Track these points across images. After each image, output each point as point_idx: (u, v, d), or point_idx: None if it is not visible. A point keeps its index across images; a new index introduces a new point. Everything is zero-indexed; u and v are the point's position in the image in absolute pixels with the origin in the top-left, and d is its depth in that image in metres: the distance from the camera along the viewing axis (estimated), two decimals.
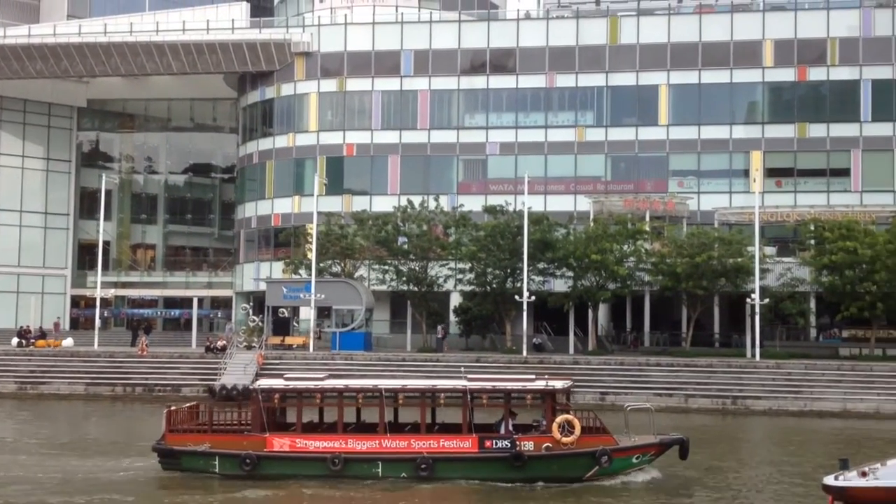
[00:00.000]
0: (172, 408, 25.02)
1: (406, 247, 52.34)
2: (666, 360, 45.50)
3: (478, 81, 59.51)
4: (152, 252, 71.90)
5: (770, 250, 51.38)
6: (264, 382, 25.27)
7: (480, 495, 22.13)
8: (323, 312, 51.68)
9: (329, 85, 60.93)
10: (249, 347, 48.58)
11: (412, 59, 59.94)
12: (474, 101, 60.04)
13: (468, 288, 52.23)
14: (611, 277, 48.92)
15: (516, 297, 48.32)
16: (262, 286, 55.11)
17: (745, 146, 56.34)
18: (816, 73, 55.97)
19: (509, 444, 23.03)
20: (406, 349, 51.71)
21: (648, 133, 57.19)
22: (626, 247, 49.49)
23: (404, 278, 52.23)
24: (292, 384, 25.04)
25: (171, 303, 66.54)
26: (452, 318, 54.84)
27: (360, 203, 58.10)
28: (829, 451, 27.94)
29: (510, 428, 23.65)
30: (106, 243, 67.29)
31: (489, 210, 52.37)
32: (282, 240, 61.31)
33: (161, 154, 72.28)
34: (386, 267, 52.56)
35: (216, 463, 23.63)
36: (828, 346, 49.86)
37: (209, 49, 60.43)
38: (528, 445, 22.93)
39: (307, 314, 51.54)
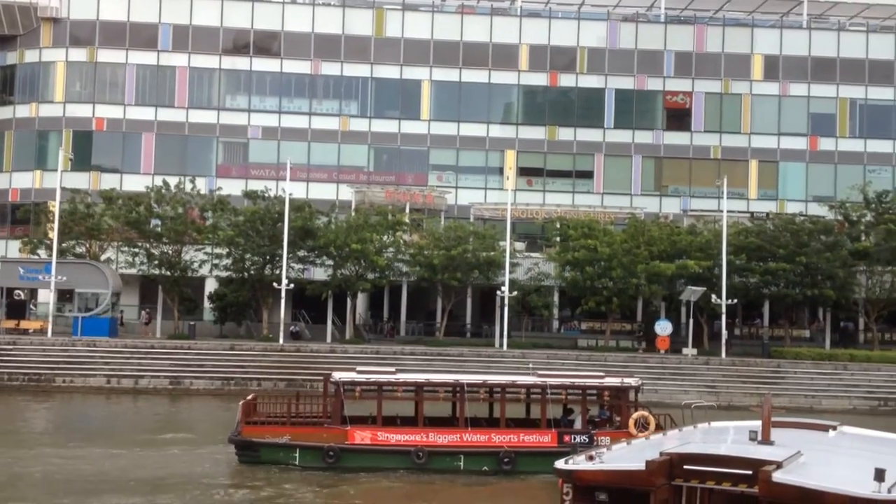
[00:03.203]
0: (248, 398, 24.80)
1: (159, 229, 50.21)
2: (420, 349, 46.61)
3: (240, 62, 58.07)
4: None
5: (520, 245, 54.01)
6: (344, 375, 24.78)
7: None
8: (64, 296, 48.54)
9: (78, 54, 57.19)
10: None
11: (170, 33, 57.49)
12: (236, 82, 58.53)
13: (225, 274, 50.93)
14: (370, 267, 49.45)
15: (275, 284, 47.69)
16: None
17: (500, 145, 58.77)
18: (566, 80, 59.32)
19: (587, 439, 23.26)
20: (156, 336, 49.64)
21: (411, 127, 58.26)
22: (385, 237, 50.21)
23: (156, 262, 50.10)
24: (374, 377, 24.89)
25: None
26: (207, 304, 53.30)
27: (109, 181, 54.97)
28: None
29: (587, 423, 24.30)
30: None
31: (249, 195, 51.30)
32: (20, 217, 56.87)
33: None
34: (136, 250, 50.18)
35: (297, 455, 23.42)
36: (568, 337, 53.06)
37: None
38: (604, 440, 22.96)
39: (46, 297, 48.19)
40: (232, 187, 53.39)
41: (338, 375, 24.71)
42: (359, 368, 26.77)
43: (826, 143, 59.07)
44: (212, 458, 24.93)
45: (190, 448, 26.46)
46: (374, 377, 25.05)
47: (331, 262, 50.09)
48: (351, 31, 58.32)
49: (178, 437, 28.36)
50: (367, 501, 21.23)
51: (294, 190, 49.89)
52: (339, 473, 22.86)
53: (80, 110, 57.13)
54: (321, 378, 42.00)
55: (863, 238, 51.99)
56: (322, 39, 58.08)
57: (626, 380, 25.48)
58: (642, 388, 26.06)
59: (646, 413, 24.04)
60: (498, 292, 48.58)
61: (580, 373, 29.82)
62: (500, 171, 58.28)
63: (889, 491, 9.91)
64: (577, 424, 24.76)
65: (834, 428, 15.04)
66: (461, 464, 23.47)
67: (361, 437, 23.77)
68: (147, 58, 57.37)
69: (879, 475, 9.89)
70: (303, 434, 23.90)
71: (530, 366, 31.56)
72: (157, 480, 22.21)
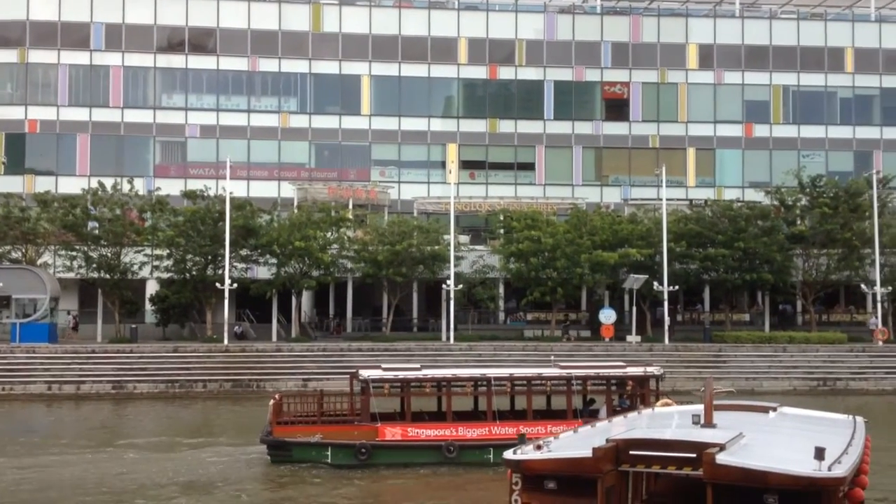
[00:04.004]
0: (277, 397, 25.15)
1: (97, 232, 49.29)
2: (367, 346, 46.55)
3: (176, 60, 57.23)
4: None
5: (464, 239, 54.11)
6: (373, 373, 24.91)
7: None
8: (1, 302, 47.41)
9: (8, 55, 55.84)
10: None
11: (103, 32, 56.43)
12: (172, 80, 57.68)
13: (166, 275, 50.23)
14: (314, 264, 49.17)
15: (217, 284, 47.18)
16: None
17: (441, 139, 58.80)
18: (506, 72, 59.56)
19: None
20: (97, 340, 48.77)
21: (351, 122, 58.02)
22: (329, 234, 49.97)
23: (95, 265, 49.18)
24: (402, 374, 25.28)
25: None
26: (148, 306, 52.52)
27: (44, 184, 53.85)
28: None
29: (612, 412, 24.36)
30: None
31: (188, 195, 50.56)
32: None
33: None
34: (74, 253, 49.19)
35: (328, 453, 23.71)
36: (514, 328, 53.37)
37: None
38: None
39: None
40: (171, 187, 52.63)
41: (366, 373, 24.82)
42: (384, 365, 27.11)
43: (761, 130, 60.21)
44: (241, 459, 24.82)
45: (213, 450, 26.21)
46: (402, 374, 25.40)
47: (274, 261, 49.68)
48: (288, 26, 57.82)
49: (185, 441, 28.03)
50: (403, 496, 21.40)
51: (234, 188, 49.31)
52: (371, 470, 23.13)
53: (12, 112, 55.81)
54: (268, 378, 42.11)
55: (798, 222, 53.19)
56: (259, 35, 57.49)
57: (649, 369, 26.03)
58: (664, 377, 26.66)
59: (669, 400, 24.45)
60: (443, 286, 48.67)
61: (601, 363, 30.63)
62: (443, 164, 58.33)
63: (829, 469, 10.16)
64: (602, 414, 25.10)
65: (774, 409, 15.36)
66: (491, 457, 23.66)
67: (392, 433, 24.08)
68: (79, 58, 56.24)
69: (819, 454, 10.13)
70: (333, 432, 24.20)
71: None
72: (193, 483, 21.91)
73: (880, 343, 48.61)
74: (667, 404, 24.11)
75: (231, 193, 47.56)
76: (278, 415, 24.52)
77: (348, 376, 26.51)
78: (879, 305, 50.69)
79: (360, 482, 22.26)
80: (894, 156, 59.74)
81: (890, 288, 50.80)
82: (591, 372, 26.17)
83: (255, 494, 21.29)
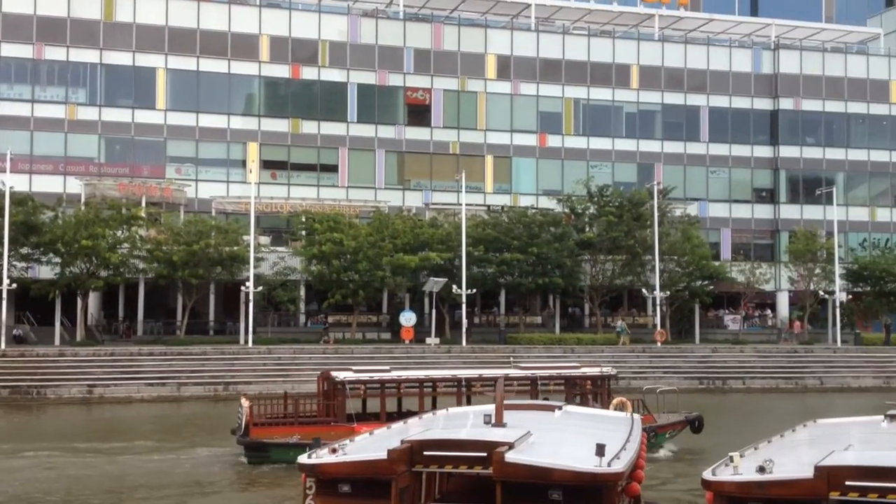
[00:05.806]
0: (251, 402, 25.04)
1: None
2: (159, 350, 44.85)
3: None
4: None
5: (265, 240, 53.20)
6: (348, 375, 25.39)
7: None
8: None
9: None
10: None
11: None
12: None
13: None
14: (103, 264, 46.90)
15: None
16: None
17: (242, 137, 57.48)
18: (309, 73, 59.06)
19: None
20: None
21: (145, 116, 55.65)
22: (120, 233, 47.82)
23: None
24: (377, 375, 25.91)
25: None
26: None
27: None
28: None
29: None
30: None
31: None
32: None
33: None
34: None
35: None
36: (315, 330, 52.97)
37: None
38: None
39: None
40: None
41: (342, 375, 25.34)
42: (354, 368, 27.44)
43: (553, 140, 62.78)
44: (217, 461, 24.76)
45: (185, 451, 25.87)
46: (377, 375, 26.14)
47: (58, 260, 46.99)
48: (77, 14, 54.70)
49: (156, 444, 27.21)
50: None
51: (15, 182, 46.27)
52: None
53: None
54: (50, 384, 39.65)
55: (587, 229, 55.96)
56: (45, 22, 54.07)
57: (604, 369, 28.02)
58: (617, 377, 28.90)
59: (624, 399, 25.67)
60: (242, 288, 47.63)
61: (559, 364, 32.33)
62: (243, 163, 57.01)
63: (609, 464, 10.71)
64: None
65: (560, 408, 16.03)
66: None
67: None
68: None
69: (600, 450, 10.63)
70: (311, 433, 23.93)
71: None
72: (171, 483, 21.52)
73: (658, 343, 51.94)
74: (622, 402, 25.47)
75: (11, 188, 44.67)
76: (253, 417, 24.56)
77: (317, 377, 27.07)
78: (658, 309, 54.17)
79: None
80: (673, 168, 63.97)
81: (668, 292, 54.40)
82: (553, 372, 27.97)
83: (236, 496, 21.18)
